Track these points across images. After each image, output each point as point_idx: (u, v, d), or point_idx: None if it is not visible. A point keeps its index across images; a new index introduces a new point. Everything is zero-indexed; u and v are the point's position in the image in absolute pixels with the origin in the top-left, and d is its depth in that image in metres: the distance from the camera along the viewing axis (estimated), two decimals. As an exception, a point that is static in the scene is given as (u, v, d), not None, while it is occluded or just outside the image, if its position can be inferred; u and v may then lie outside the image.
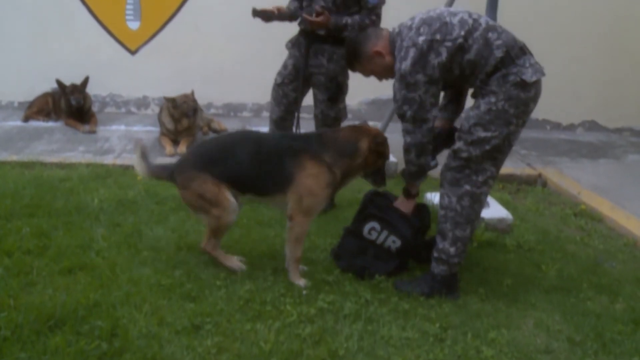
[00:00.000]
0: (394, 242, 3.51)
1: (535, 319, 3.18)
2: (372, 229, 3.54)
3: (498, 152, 3.19)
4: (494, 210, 4.42)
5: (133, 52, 7.59)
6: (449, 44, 3.08)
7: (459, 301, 3.30)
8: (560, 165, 6.21)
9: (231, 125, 6.78)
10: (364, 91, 7.32)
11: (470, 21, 3.13)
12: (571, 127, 8.04)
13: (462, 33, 3.08)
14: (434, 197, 4.34)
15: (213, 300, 3.13)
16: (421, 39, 3.10)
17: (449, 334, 2.97)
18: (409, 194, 3.53)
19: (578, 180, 5.65)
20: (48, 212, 4.16)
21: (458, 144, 3.21)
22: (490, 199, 4.52)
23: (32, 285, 3.18)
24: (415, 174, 3.39)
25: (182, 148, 5.89)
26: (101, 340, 2.72)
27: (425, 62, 3.08)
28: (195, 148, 4.05)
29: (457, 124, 3.43)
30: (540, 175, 5.82)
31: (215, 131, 6.52)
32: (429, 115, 3.16)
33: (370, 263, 3.51)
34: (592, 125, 8.04)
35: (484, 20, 3.19)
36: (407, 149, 3.29)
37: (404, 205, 3.55)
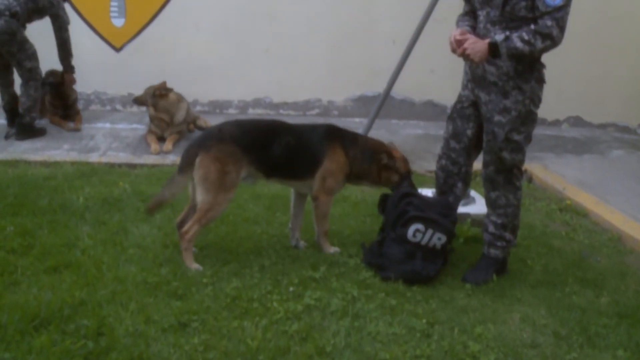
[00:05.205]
0: (439, 239, 3.48)
1: (521, 313, 3.20)
2: (416, 231, 3.48)
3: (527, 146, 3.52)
4: (480, 205, 4.44)
5: (118, 50, 7.54)
6: None
7: (445, 297, 3.31)
8: (546, 160, 6.25)
9: (217, 122, 6.71)
10: (350, 88, 7.30)
11: None
12: (556, 123, 8.09)
13: None
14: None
15: (200, 298, 3.12)
16: None
17: (436, 330, 2.99)
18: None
19: (563, 176, 5.69)
20: (32, 211, 4.13)
21: (503, 154, 3.39)
22: (476, 195, 4.55)
23: (16, 285, 3.16)
24: (519, 56, 3.32)
25: (168, 146, 5.86)
26: (87, 339, 2.70)
27: None
28: (236, 125, 3.70)
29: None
30: (525, 171, 5.82)
31: (200, 128, 6.45)
32: None
33: (421, 266, 3.44)
34: (576, 121, 8.09)
35: None
36: (542, 45, 3.32)
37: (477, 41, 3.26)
